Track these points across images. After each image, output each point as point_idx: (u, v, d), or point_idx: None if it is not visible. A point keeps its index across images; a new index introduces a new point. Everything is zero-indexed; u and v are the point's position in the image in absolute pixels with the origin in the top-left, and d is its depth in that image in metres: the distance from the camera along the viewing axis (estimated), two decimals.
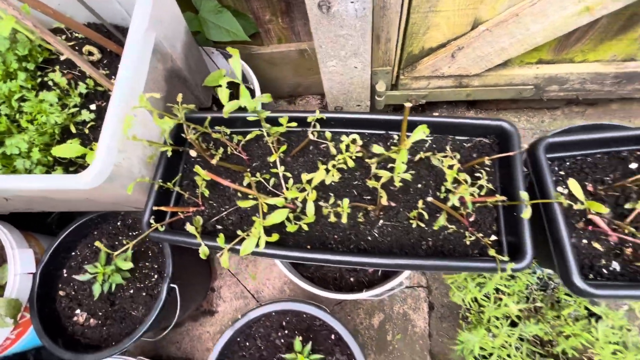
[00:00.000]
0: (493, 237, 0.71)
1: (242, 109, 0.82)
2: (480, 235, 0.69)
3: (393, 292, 1.03)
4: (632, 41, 1.09)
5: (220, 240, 0.67)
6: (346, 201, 0.68)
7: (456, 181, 0.73)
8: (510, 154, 0.70)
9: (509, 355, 0.83)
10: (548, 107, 1.53)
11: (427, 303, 1.35)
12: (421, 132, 0.55)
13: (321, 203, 0.73)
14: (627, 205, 0.67)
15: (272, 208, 0.73)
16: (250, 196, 0.72)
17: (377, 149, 0.67)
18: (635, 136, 0.72)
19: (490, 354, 0.82)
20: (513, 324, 0.87)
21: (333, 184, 0.81)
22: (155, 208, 0.76)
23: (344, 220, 0.68)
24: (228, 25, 1.18)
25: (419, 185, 0.77)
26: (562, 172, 0.75)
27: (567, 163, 0.76)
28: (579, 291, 0.60)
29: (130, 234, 1.17)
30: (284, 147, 0.82)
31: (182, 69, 0.98)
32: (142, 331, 0.96)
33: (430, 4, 0.99)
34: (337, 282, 1.08)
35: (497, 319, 0.85)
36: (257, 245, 0.67)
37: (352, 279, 1.09)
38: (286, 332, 0.99)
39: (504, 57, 1.13)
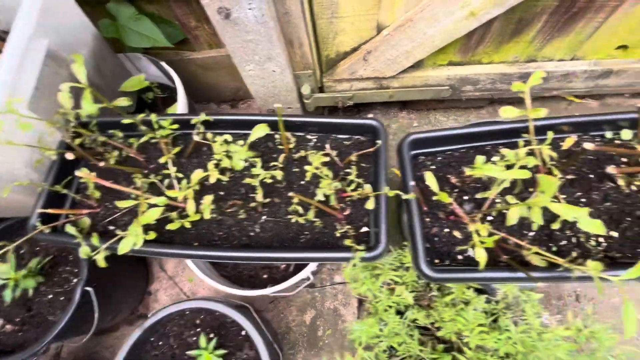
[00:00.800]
0: (364, 229, 0.75)
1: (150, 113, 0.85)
2: (349, 227, 0.74)
3: (299, 288, 1.06)
4: (527, 43, 1.16)
5: (95, 240, 0.69)
6: (208, 198, 0.71)
7: (336, 177, 0.78)
8: (371, 150, 0.75)
9: (400, 343, 0.87)
10: (474, 106, 1.61)
11: (356, 298, 1.39)
12: (261, 131, 0.59)
13: (202, 201, 0.77)
14: (478, 195, 0.72)
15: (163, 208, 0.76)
16: (133, 196, 0.75)
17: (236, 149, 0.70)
18: (496, 131, 0.78)
19: (381, 342, 0.86)
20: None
21: (224, 183, 0.84)
22: (42, 211, 0.77)
23: (207, 216, 0.72)
24: (147, 31, 1.21)
25: (302, 182, 0.81)
26: (433, 167, 0.80)
27: (439, 158, 0.81)
28: (425, 275, 0.65)
29: None
30: (176, 149, 0.85)
31: (90, 75, 1.00)
32: (52, 335, 0.97)
33: (331, 10, 1.04)
34: (252, 279, 1.11)
35: (390, 307, 0.89)
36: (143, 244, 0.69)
37: (265, 276, 1.12)
38: (199, 330, 1.01)
39: (412, 60, 1.19)
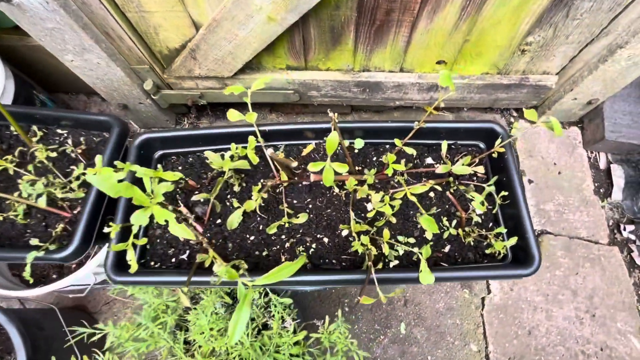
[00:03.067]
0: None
1: None
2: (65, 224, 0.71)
3: (89, 287, 1.02)
4: (352, 52, 1.19)
5: None
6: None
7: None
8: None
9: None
10: (340, 112, 1.63)
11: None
12: None
13: None
14: (194, 198, 0.71)
15: None
16: None
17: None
18: (232, 134, 0.78)
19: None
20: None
21: None
22: None
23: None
24: None
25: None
26: (180, 167, 0.79)
27: (190, 159, 0.80)
28: (110, 279, 0.63)
29: None
30: None
31: None
32: None
33: (135, 4, 1.02)
34: (44, 279, 1.07)
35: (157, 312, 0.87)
36: None
37: (55, 275, 1.07)
38: None
39: (240, 61, 1.19)
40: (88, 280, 0.98)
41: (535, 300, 1.31)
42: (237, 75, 1.27)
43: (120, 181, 0.45)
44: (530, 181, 1.49)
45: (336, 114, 0.64)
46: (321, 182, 0.77)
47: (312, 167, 0.59)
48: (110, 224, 0.53)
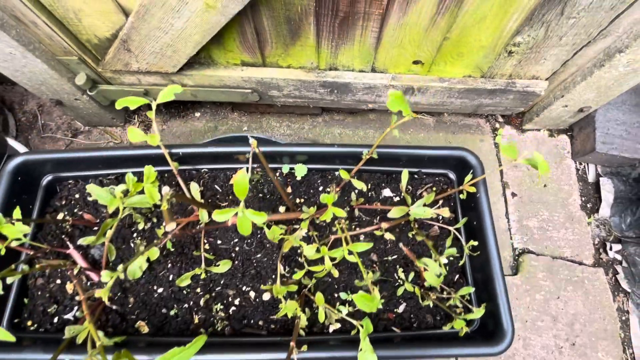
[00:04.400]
0: None
1: None
2: None
3: None
4: (313, 48, 1.03)
5: None
6: None
7: None
8: None
9: None
10: (310, 113, 1.47)
11: None
12: None
13: None
14: (81, 241, 0.56)
15: None
16: None
17: None
18: (133, 156, 0.62)
19: None
20: None
21: None
22: None
23: None
24: None
25: None
26: (77, 195, 0.63)
27: (91, 181, 0.64)
28: None
29: None
30: None
31: None
32: None
33: None
34: None
35: None
36: None
37: None
38: None
39: (184, 55, 1.01)
40: None
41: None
42: (183, 70, 1.10)
43: None
44: (513, 194, 1.37)
45: (255, 142, 0.48)
46: None
47: (218, 215, 0.44)
48: None
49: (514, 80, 1.11)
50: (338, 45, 1.02)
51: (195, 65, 1.11)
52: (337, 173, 0.64)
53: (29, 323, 0.55)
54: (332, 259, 0.52)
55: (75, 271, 0.54)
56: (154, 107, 0.55)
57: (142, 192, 0.55)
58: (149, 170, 0.53)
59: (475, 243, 0.52)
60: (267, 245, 0.60)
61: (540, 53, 1.01)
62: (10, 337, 0.33)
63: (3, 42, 0.95)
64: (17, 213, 0.46)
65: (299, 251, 0.59)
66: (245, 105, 1.47)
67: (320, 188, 0.63)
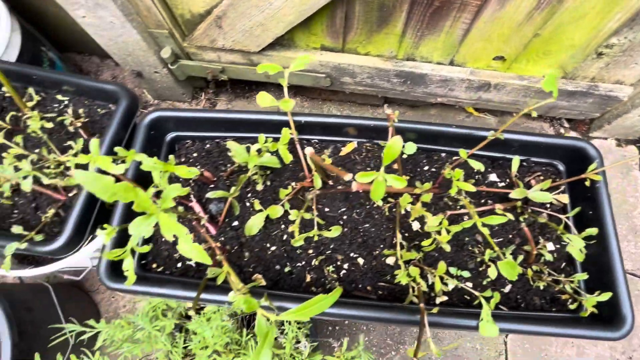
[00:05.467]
0: None
1: None
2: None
3: (87, 271, 0.93)
4: (399, 37, 1.04)
5: None
6: None
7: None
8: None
9: None
10: (371, 104, 1.49)
11: None
12: None
13: None
14: (210, 194, 0.59)
15: None
16: None
17: None
18: (259, 121, 0.65)
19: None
20: None
21: None
22: None
23: None
24: None
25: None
26: (196, 154, 0.67)
27: (208, 145, 0.68)
28: (105, 285, 0.53)
29: None
30: None
31: None
32: None
33: None
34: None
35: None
36: None
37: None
38: None
39: (272, 35, 1.04)
40: (84, 264, 0.88)
41: None
42: (265, 50, 1.13)
43: (118, 180, 0.33)
44: None
45: (397, 112, 0.51)
46: (361, 191, 0.65)
47: (362, 177, 0.47)
48: (105, 226, 0.42)
49: (597, 83, 1.09)
50: (423, 36, 1.03)
51: (276, 47, 1.15)
52: (443, 155, 0.66)
53: (154, 265, 0.60)
54: (447, 232, 0.54)
55: (202, 222, 0.58)
56: (286, 74, 0.58)
57: (272, 152, 0.59)
58: (286, 133, 0.57)
59: (594, 231, 0.53)
60: (376, 217, 0.62)
61: (633, 57, 0.98)
62: (207, 260, 0.36)
63: (108, 11, 1.01)
64: (172, 160, 0.50)
65: (407, 224, 0.61)
66: (308, 91, 1.50)
67: (426, 167, 0.65)
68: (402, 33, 1.03)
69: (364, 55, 1.15)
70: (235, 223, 0.62)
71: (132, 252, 0.49)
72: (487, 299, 0.47)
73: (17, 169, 0.55)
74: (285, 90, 0.59)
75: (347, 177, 0.44)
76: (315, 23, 1.03)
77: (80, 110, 0.68)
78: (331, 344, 0.78)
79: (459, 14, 0.92)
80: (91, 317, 1.04)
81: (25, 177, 0.55)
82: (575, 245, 0.49)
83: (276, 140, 0.60)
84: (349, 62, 1.14)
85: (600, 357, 1.17)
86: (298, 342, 0.72)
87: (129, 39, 1.12)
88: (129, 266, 0.45)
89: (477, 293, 0.48)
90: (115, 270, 0.54)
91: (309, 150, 0.49)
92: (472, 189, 0.51)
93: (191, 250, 0.36)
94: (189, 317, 0.85)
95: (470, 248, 0.59)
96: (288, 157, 0.55)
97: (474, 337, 1.22)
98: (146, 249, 0.45)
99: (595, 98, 1.12)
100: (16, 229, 0.54)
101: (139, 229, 0.37)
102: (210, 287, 0.52)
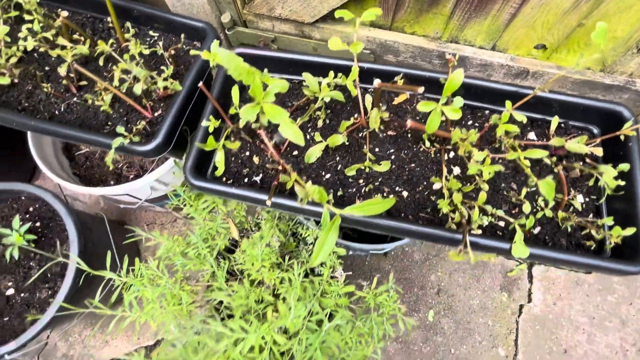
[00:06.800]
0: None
1: None
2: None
3: (146, 198, 1.03)
4: (446, 17, 1.10)
5: None
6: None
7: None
8: None
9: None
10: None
11: None
12: None
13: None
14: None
15: None
16: None
17: None
18: (328, 65, 0.73)
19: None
20: None
21: None
22: None
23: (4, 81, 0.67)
24: None
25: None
26: None
27: None
28: (189, 182, 0.62)
29: None
30: None
31: None
32: None
33: None
34: (101, 182, 1.09)
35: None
36: None
37: (112, 182, 1.10)
38: (27, 216, 0.99)
39: (327, 6, 1.13)
40: (143, 193, 0.99)
41: (579, 321, 1.23)
42: (317, 22, 1.22)
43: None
44: None
45: (457, 55, 0.58)
46: (409, 135, 0.72)
47: (423, 106, 0.54)
48: (210, 117, 0.51)
49: (635, 79, 1.13)
50: (470, 18, 1.09)
51: (328, 20, 1.23)
52: (487, 112, 0.72)
53: (224, 179, 0.69)
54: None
55: (270, 144, 0.67)
56: (357, 23, 0.66)
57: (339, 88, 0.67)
58: (355, 69, 0.65)
59: (626, 167, 0.58)
60: (421, 158, 0.69)
61: None
62: (301, 140, 0.44)
63: None
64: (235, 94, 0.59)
65: (449, 168, 0.68)
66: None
67: (470, 122, 0.72)
68: (450, 14, 1.09)
69: (410, 35, 1.22)
70: (295, 152, 0.71)
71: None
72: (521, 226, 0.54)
73: (122, 81, 0.65)
74: (355, 36, 0.67)
75: (420, 89, 0.52)
76: None
77: (171, 45, 0.78)
78: (360, 284, 0.86)
79: None
80: (132, 251, 1.15)
81: (137, 80, 0.64)
82: (609, 173, 0.55)
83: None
84: (395, 39, 1.21)
85: (610, 346, 1.21)
86: (334, 270, 0.80)
87: (195, 1, 1.22)
88: (221, 158, 0.53)
89: (511, 220, 0.55)
90: (198, 170, 0.63)
91: (376, 81, 0.57)
92: (517, 130, 0.57)
93: (292, 132, 0.44)
94: (231, 251, 0.94)
95: (505, 193, 0.66)
96: (354, 91, 0.63)
97: (486, 314, 1.27)
98: (237, 144, 0.54)
99: (631, 94, 1.16)
100: (119, 129, 0.64)
101: (247, 114, 0.46)
102: (279, 193, 0.60)
